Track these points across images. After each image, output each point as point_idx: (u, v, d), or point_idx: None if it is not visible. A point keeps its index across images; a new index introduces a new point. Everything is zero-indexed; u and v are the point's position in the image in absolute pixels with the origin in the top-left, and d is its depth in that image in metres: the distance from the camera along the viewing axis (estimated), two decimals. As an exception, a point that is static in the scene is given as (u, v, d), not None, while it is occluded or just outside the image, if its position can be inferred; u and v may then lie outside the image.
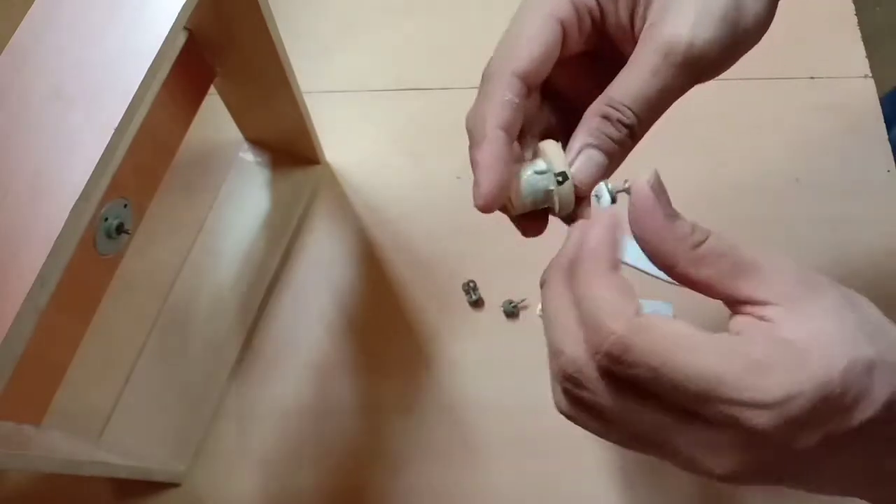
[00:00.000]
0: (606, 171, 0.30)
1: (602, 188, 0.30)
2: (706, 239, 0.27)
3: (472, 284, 0.55)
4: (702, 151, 0.59)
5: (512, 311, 0.54)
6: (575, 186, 0.30)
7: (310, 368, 0.54)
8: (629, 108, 0.29)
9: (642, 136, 0.31)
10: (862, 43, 0.62)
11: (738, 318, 0.27)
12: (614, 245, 0.27)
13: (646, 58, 0.29)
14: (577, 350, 0.26)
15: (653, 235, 0.27)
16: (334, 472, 0.51)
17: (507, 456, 0.51)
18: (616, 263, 0.27)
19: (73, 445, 0.44)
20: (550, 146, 0.31)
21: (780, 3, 0.33)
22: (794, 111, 0.60)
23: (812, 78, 0.61)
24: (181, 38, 0.44)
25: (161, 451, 0.51)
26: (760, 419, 0.25)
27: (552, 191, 0.30)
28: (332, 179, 0.60)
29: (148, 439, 0.51)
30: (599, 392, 0.26)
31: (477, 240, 0.55)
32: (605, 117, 0.29)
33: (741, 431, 0.25)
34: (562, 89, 0.33)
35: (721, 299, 0.28)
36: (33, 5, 0.37)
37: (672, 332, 0.25)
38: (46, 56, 0.36)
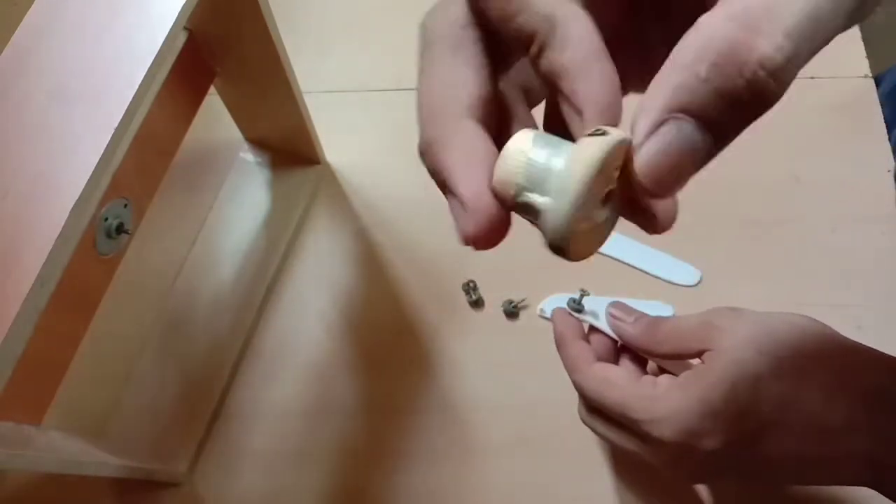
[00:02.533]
0: (696, 163, 0.19)
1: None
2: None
3: (472, 284, 0.55)
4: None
5: (512, 311, 0.54)
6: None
7: (310, 368, 0.54)
8: (769, 37, 0.18)
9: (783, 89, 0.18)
10: (862, 43, 0.62)
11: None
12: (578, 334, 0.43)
13: None
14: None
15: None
16: (334, 472, 0.51)
17: (507, 456, 0.51)
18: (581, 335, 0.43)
19: (73, 445, 0.44)
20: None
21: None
22: (793, 111, 0.60)
23: (812, 78, 0.61)
24: (181, 38, 0.44)
25: (161, 451, 0.51)
26: (660, 431, 0.36)
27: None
28: (332, 179, 0.60)
29: (148, 439, 0.51)
30: (586, 418, 0.43)
31: (477, 240, 0.55)
32: (716, 64, 0.18)
33: (658, 441, 0.36)
34: None
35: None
36: (34, 5, 0.37)
37: (604, 376, 0.39)
38: (47, 56, 0.36)
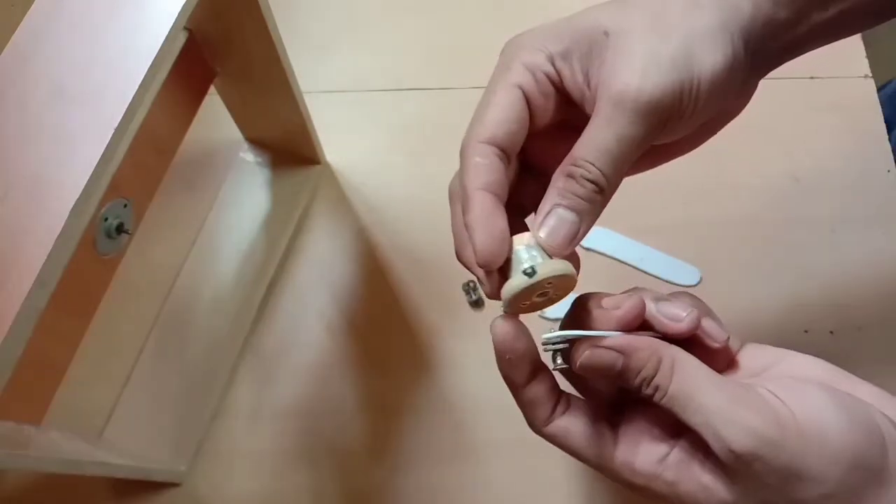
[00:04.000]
0: (580, 230, 0.30)
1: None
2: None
3: (472, 284, 0.55)
4: (702, 151, 0.59)
5: (512, 311, 0.54)
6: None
7: (310, 368, 0.54)
8: (591, 164, 0.30)
9: (613, 189, 0.31)
10: (862, 43, 0.62)
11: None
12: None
13: (601, 111, 0.30)
14: None
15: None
16: (334, 472, 0.51)
17: (508, 456, 0.51)
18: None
19: (73, 445, 0.44)
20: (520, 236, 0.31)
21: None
22: (794, 111, 0.60)
23: (812, 78, 0.61)
24: (181, 38, 0.44)
25: (161, 451, 0.51)
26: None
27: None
28: (332, 179, 0.60)
29: (148, 439, 0.51)
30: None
31: (477, 240, 0.55)
32: (570, 176, 0.30)
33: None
34: (548, 166, 0.33)
35: None
36: (34, 5, 0.37)
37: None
38: (47, 56, 0.36)
